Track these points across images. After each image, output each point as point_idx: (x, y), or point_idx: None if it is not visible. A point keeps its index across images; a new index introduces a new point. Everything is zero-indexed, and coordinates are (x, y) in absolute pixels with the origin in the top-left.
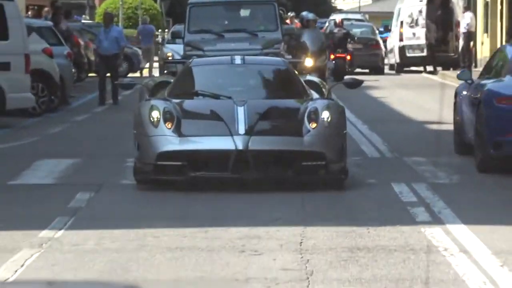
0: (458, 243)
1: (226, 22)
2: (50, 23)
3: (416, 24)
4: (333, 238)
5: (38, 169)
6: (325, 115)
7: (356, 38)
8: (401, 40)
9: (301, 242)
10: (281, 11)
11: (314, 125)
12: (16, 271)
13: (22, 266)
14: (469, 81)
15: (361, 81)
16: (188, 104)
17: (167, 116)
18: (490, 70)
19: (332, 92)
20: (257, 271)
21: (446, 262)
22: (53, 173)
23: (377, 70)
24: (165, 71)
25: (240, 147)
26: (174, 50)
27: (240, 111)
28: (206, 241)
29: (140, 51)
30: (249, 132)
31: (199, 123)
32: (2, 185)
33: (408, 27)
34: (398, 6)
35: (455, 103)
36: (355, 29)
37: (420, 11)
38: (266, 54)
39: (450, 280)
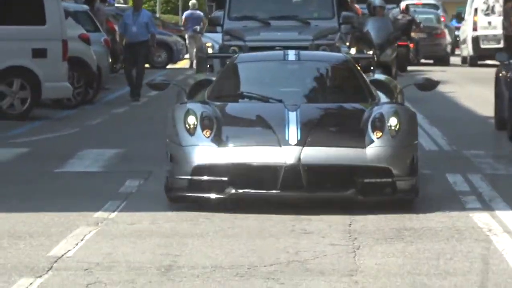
0: (504, 225)
1: (273, 8)
2: (86, 6)
3: (493, 12)
4: (381, 221)
5: (83, 158)
6: (393, 122)
7: (421, 25)
8: (474, 29)
9: (350, 224)
10: None
11: (379, 134)
12: (77, 244)
13: (82, 240)
14: (506, 62)
15: (437, 82)
16: (231, 108)
17: (206, 123)
18: None
19: (402, 95)
20: (307, 245)
21: (488, 239)
22: (99, 161)
23: (442, 61)
24: (208, 65)
25: (291, 160)
26: (214, 40)
27: (292, 117)
28: (257, 222)
29: (181, 40)
30: (302, 142)
31: (242, 131)
32: (49, 173)
33: (483, 15)
34: None
35: (495, 84)
36: (418, 15)
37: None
38: (318, 46)
39: (489, 254)
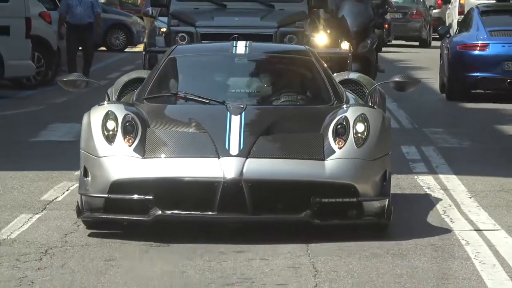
0: (442, 184)
1: None
2: None
3: None
4: None
5: (55, 130)
6: (359, 128)
7: (395, 7)
8: (460, 13)
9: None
10: None
11: (341, 143)
12: (63, 193)
13: (67, 190)
14: (447, 35)
15: (418, 81)
16: (162, 111)
17: (128, 128)
18: (461, 27)
19: (379, 93)
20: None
21: (426, 193)
22: (71, 133)
23: (419, 42)
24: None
25: (231, 174)
26: None
27: (235, 122)
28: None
29: (141, 22)
30: (245, 153)
31: (173, 139)
32: (25, 141)
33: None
34: None
35: (440, 55)
36: None
37: None
38: (284, 35)
39: (422, 204)
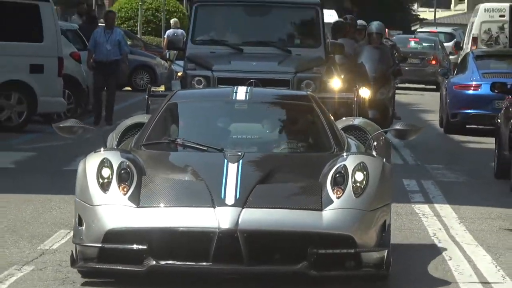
0: (436, 212)
1: (247, 31)
2: (76, 25)
3: (496, 43)
4: None
5: None
6: (358, 177)
7: (409, 54)
8: None
9: None
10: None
11: (339, 193)
12: None
13: None
14: (446, 77)
15: (418, 129)
16: (159, 158)
17: (124, 176)
18: (458, 69)
19: (384, 139)
20: None
21: (419, 219)
22: None
23: (435, 86)
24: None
25: (226, 224)
26: None
27: (232, 171)
28: None
29: (164, 63)
30: (241, 202)
31: (169, 188)
32: (59, 170)
33: (484, 46)
34: (471, 19)
35: (440, 93)
36: (415, 44)
37: (502, 28)
38: (301, 81)
39: (415, 227)
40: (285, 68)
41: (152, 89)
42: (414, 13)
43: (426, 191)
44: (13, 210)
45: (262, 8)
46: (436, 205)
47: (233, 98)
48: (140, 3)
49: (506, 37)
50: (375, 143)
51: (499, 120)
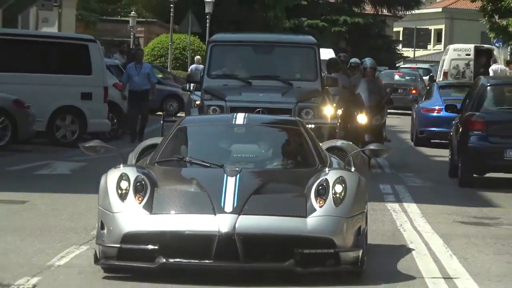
0: (404, 208)
1: (254, 67)
2: (118, 61)
3: (463, 76)
4: None
5: None
6: (338, 189)
7: (394, 85)
8: None
9: None
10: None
11: (321, 202)
12: None
13: None
14: (416, 102)
15: (387, 149)
16: (169, 173)
17: (139, 188)
18: (426, 96)
19: (362, 157)
20: None
21: (390, 214)
22: None
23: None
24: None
25: (225, 229)
26: None
27: (230, 183)
28: None
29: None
30: (238, 210)
31: (177, 198)
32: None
33: (453, 80)
34: (443, 57)
35: (411, 115)
36: (399, 77)
37: (468, 64)
38: (301, 109)
39: (386, 220)
40: (287, 99)
41: (178, 114)
42: (398, 52)
43: (397, 193)
44: (70, 206)
45: (268, 47)
46: (405, 204)
47: (233, 122)
48: (170, 43)
49: (471, 71)
50: (355, 161)
51: (451, 133)
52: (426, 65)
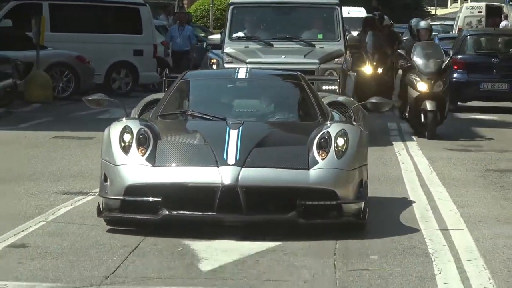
0: (404, 140)
1: (276, 29)
2: (164, 22)
3: None
4: None
5: None
6: (339, 142)
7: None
8: None
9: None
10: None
11: (324, 155)
12: None
13: None
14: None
15: (389, 102)
16: (172, 126)
17: (142, 141)
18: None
19: (364, 115)
20: None
21: (391, 143)
22: None
23: None
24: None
25: (228, 181)
26: (219, 57)
27: (233, 136)
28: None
29: None
30: (241, 162)
31: (179, 150)
32: None
33: None
34: (457, 15)
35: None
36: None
37: (480, 21)
38: (324, 71)
39: (387, 148)
40: (310, 60)
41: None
42: (426, 10)
43: (401, 130)
44: None
45: (289, 8)
46: (406, 137)
47: (235, 76)
48: (211, 5)
49: (483, 28)
50: (356, 115)
51: None
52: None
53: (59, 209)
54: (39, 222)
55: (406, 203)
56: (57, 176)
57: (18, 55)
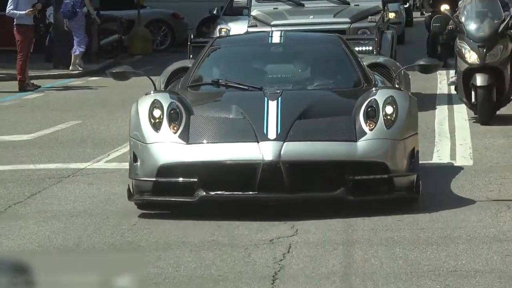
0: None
1: None
2: None
3: None
4: None
5: None
6: (388, 111)
7: None
8: None
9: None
10: None
11: (372, 125)
12: None
13: None
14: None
15: (439, 64)
16: (204, 98)
17: (173, 116)
18: None
19: (406, 78)
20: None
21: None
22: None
23: None
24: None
25: (270, 157)
26: (228, 26)
27: (272, 108)
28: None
29: None
30: (283, 136)
31: (215, 125)
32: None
33: None
34: None
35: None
36: None
37: None
38: (357, 30)
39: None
40: (340, 19)
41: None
42: None
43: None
44: None
45: None
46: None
47: (269, 41)
48: None
49: None
50: (401, 79)
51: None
52: None
53: None
54: None
55: None
56: None
57: (122, 13)
